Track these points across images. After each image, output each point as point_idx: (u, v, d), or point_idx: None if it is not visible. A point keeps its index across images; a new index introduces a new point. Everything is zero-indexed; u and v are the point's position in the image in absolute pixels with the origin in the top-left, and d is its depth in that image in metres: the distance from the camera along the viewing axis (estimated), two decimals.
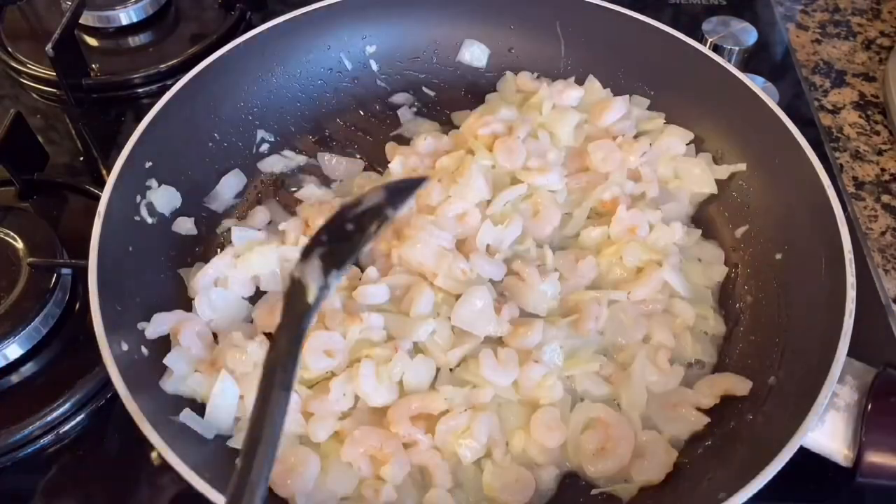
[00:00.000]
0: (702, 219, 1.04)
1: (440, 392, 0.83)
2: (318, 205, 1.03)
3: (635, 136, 1.07)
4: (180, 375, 0.84)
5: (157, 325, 0.87)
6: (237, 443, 0.81)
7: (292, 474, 0.78)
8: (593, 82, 1.13)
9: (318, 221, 0.96)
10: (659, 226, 0.97)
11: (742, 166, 1.02)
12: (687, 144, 1.06)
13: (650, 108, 1.11)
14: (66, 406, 0.87)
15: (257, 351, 0.85)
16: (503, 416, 0.84)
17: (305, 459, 0.79)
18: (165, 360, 0.84)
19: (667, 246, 0.96)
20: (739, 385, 0.85)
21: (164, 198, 0.98)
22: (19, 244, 0.98)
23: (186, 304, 0.92)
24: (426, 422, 0.82)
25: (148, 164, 0.96)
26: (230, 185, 1.07)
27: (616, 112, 1.08)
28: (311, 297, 0.69)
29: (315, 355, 0.84)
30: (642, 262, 0.95)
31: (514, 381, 0.84)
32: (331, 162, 1.12)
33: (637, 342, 0.90)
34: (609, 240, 0.98)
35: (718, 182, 1.03)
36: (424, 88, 1.21)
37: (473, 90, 1.20)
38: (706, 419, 0.84)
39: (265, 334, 0.89)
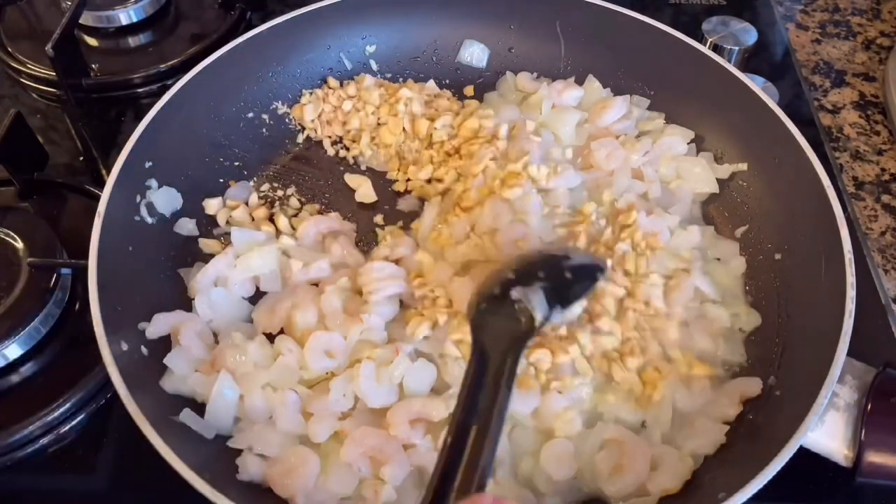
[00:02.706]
0: (702, 219, 1.04)
1: (442, 398, 0.82)
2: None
3: (636, 137, 1.07)
4: (180, 375, 0.84)
5: (157, 326, 0.87)
6: (237, 443, 0.81)
7: (292, 474, 0.78)
8: (593, 82, 1.13)
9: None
10: (678, 231, 0.96)
11: (743, 166, 1.02)
12: (688, 144, 1.06)
13: (650, 108, 1.11)
14: (66, 406, 0.87)
15: (257, 351, 0.85)
16: (514, 438, 0.82)
17: (305, 459, 0.79)
18: (166, 360, 0.84)
19: (689, 250, 0.95)
20: (753, 386, 0.84)
21: (164, 198, 0.98)
22: (19, 244, 0.98)
23: (186, 304, 0.92)
24: (426, 424, 0.82)
25: (148, 164, 0.96)
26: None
27: (616, 111, 1.07)
28: (537, 321, 0.76)
29: (315, 355, 0.84)
30: (669, 272, 0.92)
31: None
32: None
33: (668, 364, 0.86)
34: (635, 253, 0.93)
35: (718, 182, 1.03)
36: None
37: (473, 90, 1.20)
38: (725, 428, 0.82)
39: (265, 335, 0.89)
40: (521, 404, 0.81)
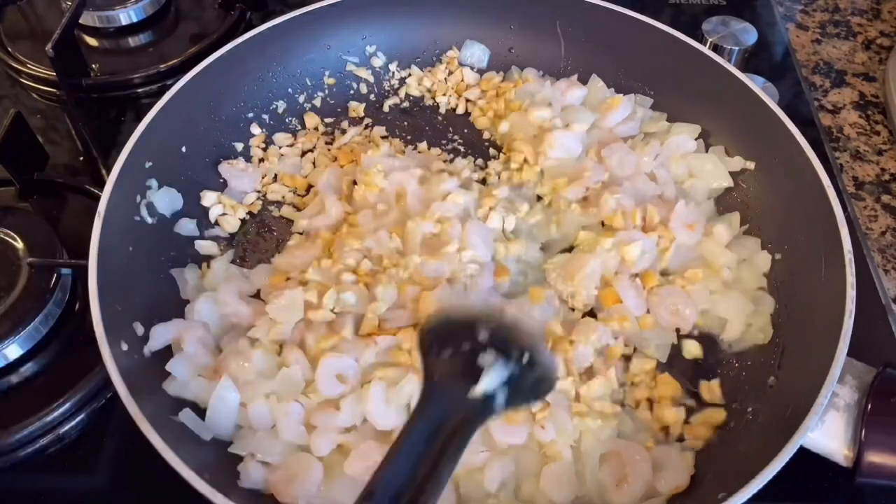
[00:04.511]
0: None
1: None
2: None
3: (641, 139, 1.06)
4: (182, 381, 0.83)
5: (157, 339, 0.85)
6: (238, 449, 0.80)
7: (295, 481, 0.77)
8: (597, 81, 1.12)
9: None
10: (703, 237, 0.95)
11: (751, 165, 1.02)
12: (695, 139, 1.05)
13: (651, 108, 1.11)
14: (66, 406, 0.87)
15: (261, 360, 0.83)
16: (518, 459, 0.80)
17: (308, 465, 0.78)
18: (168, 367, 0.83)
19: (723, 254, 0.94)
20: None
21: (164, 199, 0.98)
22: (19, 244, 0.97)
23: (186, 305, 0.92)
24: None
25: (148, 164, 0.96)
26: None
27: (622, 111, 1.07)
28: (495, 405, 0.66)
29: (327, 381, 0.82)
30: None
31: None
32: None
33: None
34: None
35: None
36: None
37: None
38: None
39: (272, 343, 0.87)
40: (510, 436, 0.79)
